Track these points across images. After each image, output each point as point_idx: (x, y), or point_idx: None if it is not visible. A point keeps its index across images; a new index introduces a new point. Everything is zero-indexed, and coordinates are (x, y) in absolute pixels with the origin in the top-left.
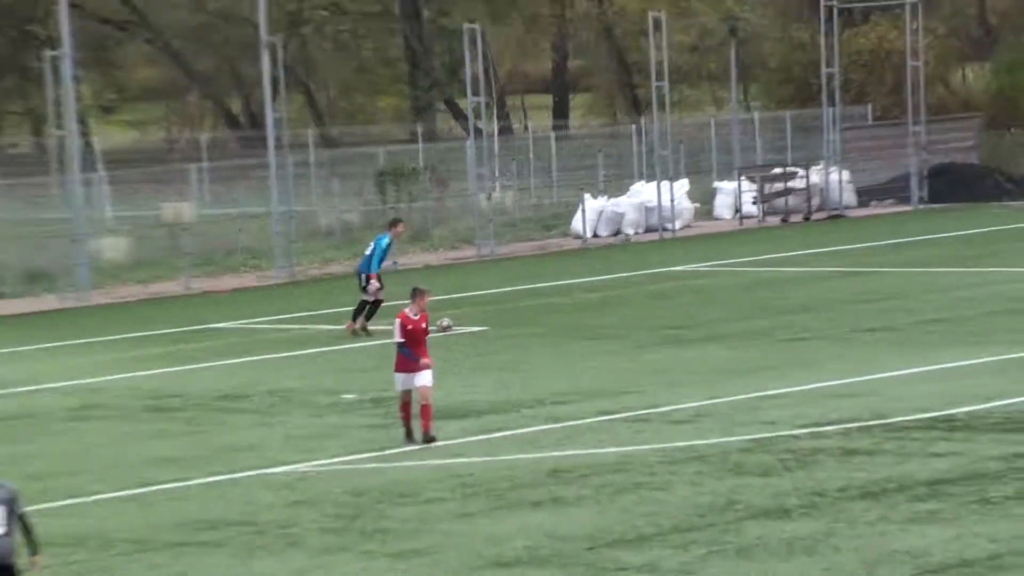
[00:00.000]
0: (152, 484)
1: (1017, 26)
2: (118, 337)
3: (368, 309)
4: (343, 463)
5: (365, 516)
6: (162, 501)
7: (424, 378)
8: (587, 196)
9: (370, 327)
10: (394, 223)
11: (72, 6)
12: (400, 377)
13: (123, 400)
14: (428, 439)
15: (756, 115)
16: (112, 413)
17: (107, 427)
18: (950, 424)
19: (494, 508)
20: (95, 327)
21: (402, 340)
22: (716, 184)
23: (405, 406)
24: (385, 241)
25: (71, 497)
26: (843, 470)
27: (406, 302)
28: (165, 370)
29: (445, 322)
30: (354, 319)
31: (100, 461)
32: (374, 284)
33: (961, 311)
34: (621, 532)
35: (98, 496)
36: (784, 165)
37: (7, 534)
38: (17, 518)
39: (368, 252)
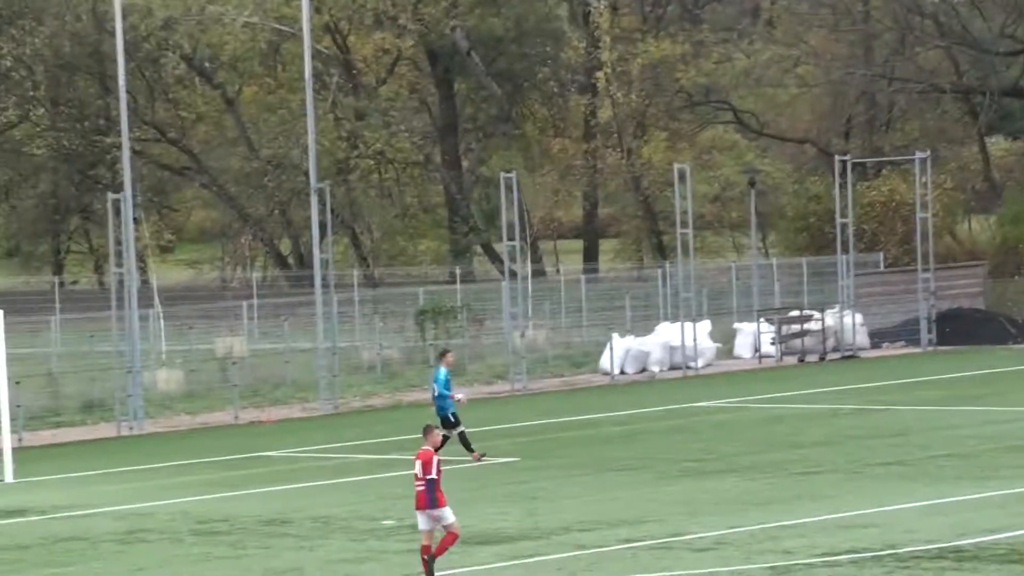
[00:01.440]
0: None
1: (1020, 181)
2: (169, 464)
3: (462, 438)
4: None
5: None
6: None
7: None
8: (615, 335)
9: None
10: (443, 354)
11: (134, 152)
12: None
13: (171, 524)
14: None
15: (774, 261)
16: (160, 537)
17: (155, 550)
18: (958, 555)
19: None
20: (147, 455)
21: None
22: (736, 325)
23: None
24: (441, 373)
25: None
26: None
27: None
28: (212, 496)
29: None
30: (470, 451)
31: None
32: (462, 401)
33: (968, 447)
34: None
35: None
36: (801, 308)
37: None
38: None
39: (434, 394)
